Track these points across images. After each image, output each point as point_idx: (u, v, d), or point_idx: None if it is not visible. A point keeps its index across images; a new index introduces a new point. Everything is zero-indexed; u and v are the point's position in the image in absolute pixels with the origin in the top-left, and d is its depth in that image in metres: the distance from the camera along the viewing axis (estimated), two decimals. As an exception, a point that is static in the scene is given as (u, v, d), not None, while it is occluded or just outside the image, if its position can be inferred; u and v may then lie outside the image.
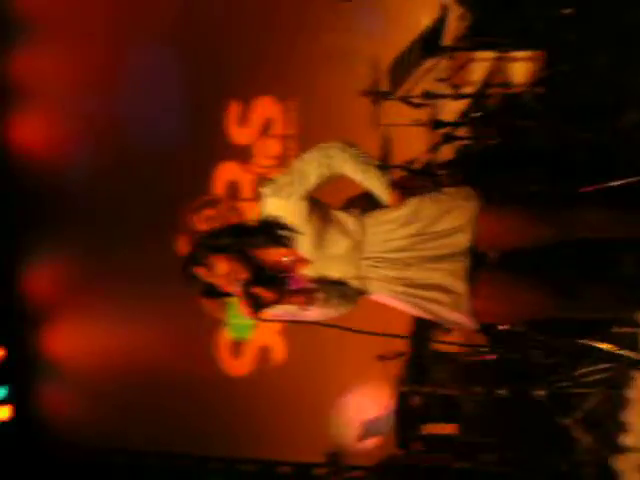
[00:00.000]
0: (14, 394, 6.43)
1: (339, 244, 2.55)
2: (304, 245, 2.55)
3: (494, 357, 4.28)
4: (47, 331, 6.54)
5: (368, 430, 5.47)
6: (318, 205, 2.60)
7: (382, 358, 4.70)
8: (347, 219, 2.59)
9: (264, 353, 6.23)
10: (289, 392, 6.02)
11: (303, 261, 2.57)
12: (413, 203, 2.56)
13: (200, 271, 2.55)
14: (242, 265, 2.51)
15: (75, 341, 6.52)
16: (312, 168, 2.53)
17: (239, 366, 6.29)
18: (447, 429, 4.93)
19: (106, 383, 6.32)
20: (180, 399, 6.10)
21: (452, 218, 2.52)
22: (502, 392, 4.02)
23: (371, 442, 5.53)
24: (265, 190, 2.57)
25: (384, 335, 2.63)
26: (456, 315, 2.55)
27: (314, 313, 2.61)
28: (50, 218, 6.30)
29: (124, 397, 6.21)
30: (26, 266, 6.47)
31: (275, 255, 2.58)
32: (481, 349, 4.33)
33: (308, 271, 2.59)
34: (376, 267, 2.55)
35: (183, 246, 6.62)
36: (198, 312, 2.63)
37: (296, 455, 6.08)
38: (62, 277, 6.44)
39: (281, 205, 2.55)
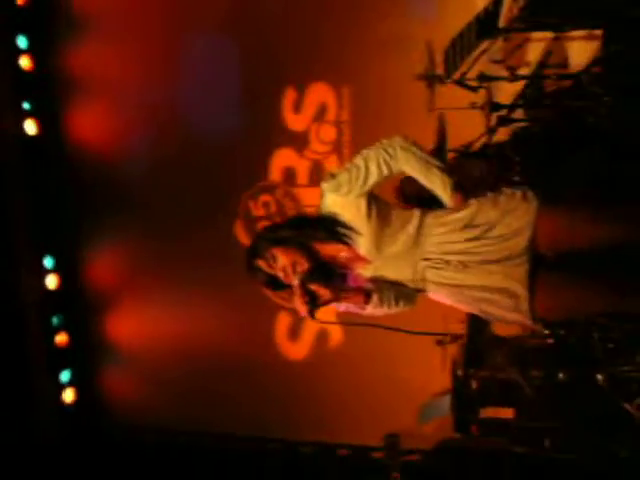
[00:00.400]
0: (77, 377, 6.60)
1: (398, 243, 2.54)
2: (363, 244, 2.56)
3: (553, 341, 4.24)
4: (110, 317, 6.68)
5: (426, 413, 5.48)
6: (378, 202, 2.59)
7: (440, 343, 4.71)
8: (407, 218, 2.57)
9: (322, 337, 6.28)
10: (347, 376, 6.06)
11: (361, 259, 2.58)
12: (473, 206, 2.54)
13: (262, 263, 2.58)
14: (303, 257, 2.54)
15: (137, 326, 6.65)
16: (373, 166, 2.53)
17: (297, 350, 6.35)
18: (505, 413, 4.91)
19: (167, 367, 6.44)
20: (240, 382, 6.19)
21: (510, 221, 2.49)
22: (562, 376, 3.99)
23: (429, 425, 5.55)
24: (326, 186, 2.58)
25: (435, 334, 2.65)
26: (515, 315, 2.54)
27: (373, 311, 2.60)
28: (112, 206, 6.42)
29: (185, 380, 6.32)
30: (89, 253, 6.62)
31: (334, 251, 2.59)
32: (541, 333, 4.30)
33: (366, 270, 2.60)
34: (434, 268, 2.54)
35: (241, 232, 6.70)
36: (257, 297, 2.67)
37: (354, 438, 6.12)
38: (124, 264, 6.56)
39: (340, 202, 2.56)
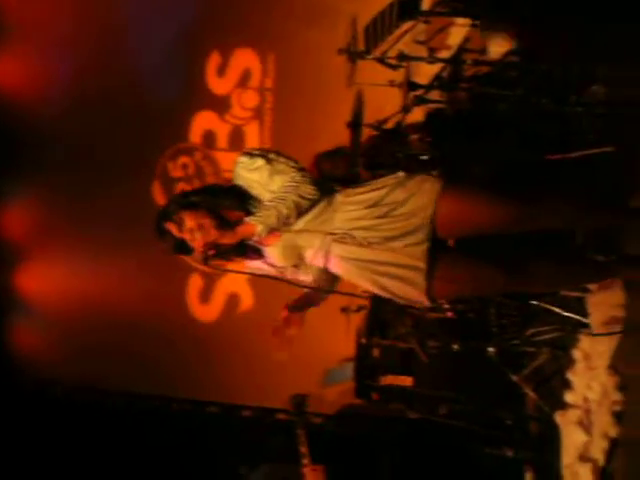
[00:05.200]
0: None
1: (307, 217, 2.70)
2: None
3: (452, 315, 4.43)
4: (20, 269, 6.57)
5: (329, 378, 5.64)
6: None
7: (345, 310, 4.84)
8: (317, 194, 2.71)
9: (232, 301, 6.35)
10: (254, 340, 6.13)
11: (272, 234, 2.71)
12: (384, 189, 2.70)
13: (171, 226, 2.70)
14: (209, 219, 2.67)
15: (48, 280, 6.55)
16: (288, 168, 2.71)
17: (208, 312, 6.41)
18: (404, 381, 5.09)
19: (77, 322, 6.40)
20: (149, 341, 6.21)
21: (415, 200, 2.66)
22: (456, 347, 4.18)
23: (331, 390, 5.71)
24: (240, 160, 2.74)
25: (344, 294, 2.81)
26: (412, 292, 2.69)
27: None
28: (28, 157, 6.29)
29: (95, 337, 6.28)
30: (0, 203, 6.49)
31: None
32: (441, 306, 4.47)
33: (274, 247, 2.75)
34: (340, 243, 2.69)
35: (158, 192, 6.66)
36: (170, 258, 2.75)
37: (258, 400, 6.24)
38: (37, 216, 6.45)
39: (254, 177, 2.72)
